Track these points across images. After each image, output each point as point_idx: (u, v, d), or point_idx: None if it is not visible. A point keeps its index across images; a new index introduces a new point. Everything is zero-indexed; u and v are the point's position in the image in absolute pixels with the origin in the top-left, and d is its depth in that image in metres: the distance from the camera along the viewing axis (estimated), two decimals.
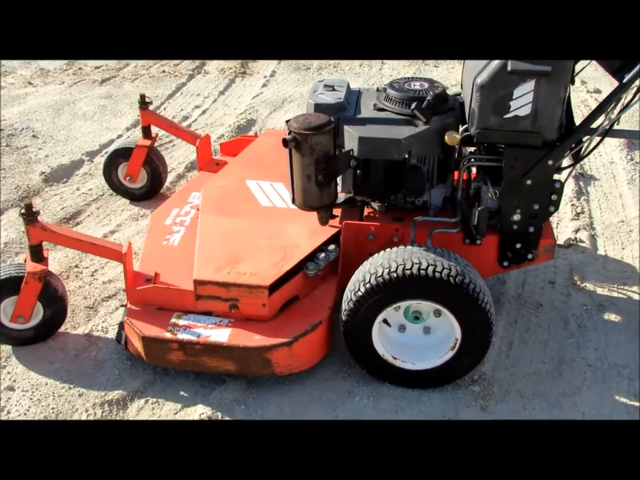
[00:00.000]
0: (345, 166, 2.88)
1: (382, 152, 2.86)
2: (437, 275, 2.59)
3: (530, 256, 2.98)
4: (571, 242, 3.94)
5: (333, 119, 2.79)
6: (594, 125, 2.74)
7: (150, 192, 4.22)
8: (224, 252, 2.96)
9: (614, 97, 2.65)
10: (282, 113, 5.63)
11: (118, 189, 4.23)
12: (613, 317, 3.33)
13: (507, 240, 2.96)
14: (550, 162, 2.73)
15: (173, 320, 2.81)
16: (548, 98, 2.59)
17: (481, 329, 2.70)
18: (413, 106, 2.88)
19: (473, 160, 2.93)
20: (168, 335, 2.73)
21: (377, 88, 3.21)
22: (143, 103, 3.96)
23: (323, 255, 2.96)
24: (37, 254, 2.91)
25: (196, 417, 2.71)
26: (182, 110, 5.67)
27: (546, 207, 2.85)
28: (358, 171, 2.94)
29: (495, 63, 2.60)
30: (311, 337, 2.75)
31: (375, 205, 3.11)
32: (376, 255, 2.78)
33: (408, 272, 2.60)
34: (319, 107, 2.96)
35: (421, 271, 2.60)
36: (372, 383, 2.89)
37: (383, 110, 3.01)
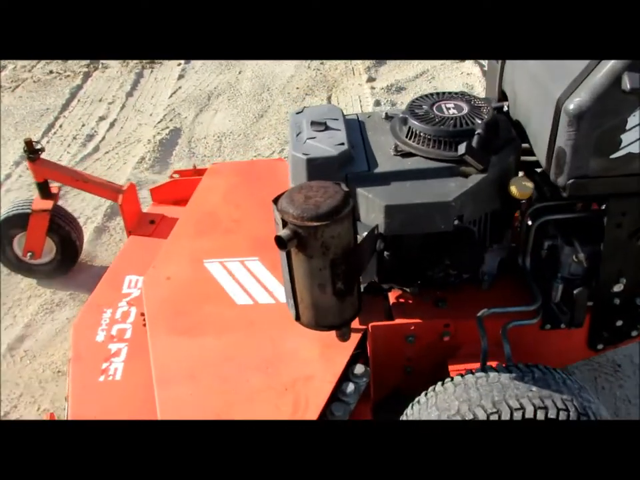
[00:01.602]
0: (371, 254, 1.88)
1: (422, 224, 1.88)
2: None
3: (634, 333, 2.13)
4: None
5: (344, 187, 1.75)
6: None
7: (63, 266, 3.06)
8: (204, 412, 1.90)
9: None
10: (211, 113, 4.49)
11: (17, 267, 3.05)
12: None
13: (602, 316, 2.09)
14: None
15: None
16: None
17: None
18: (462, 149, 1.88)
19: (547, 214, 1.98)
20: None
21: (386, 114, 2.17)
22: (31, 152, 2.77)
23: (350, 387, 1.97)
24: None
25: None
26: (83, 125, 4.43)
27: None
28: (385, 253, 1.95)
29: (599, 78, 1.65)
30: None
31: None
32: (439, 387, 1.81)
33: None
34: (314, 164, 1.92)
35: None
36: None
37: (409, 155, 1.98)
